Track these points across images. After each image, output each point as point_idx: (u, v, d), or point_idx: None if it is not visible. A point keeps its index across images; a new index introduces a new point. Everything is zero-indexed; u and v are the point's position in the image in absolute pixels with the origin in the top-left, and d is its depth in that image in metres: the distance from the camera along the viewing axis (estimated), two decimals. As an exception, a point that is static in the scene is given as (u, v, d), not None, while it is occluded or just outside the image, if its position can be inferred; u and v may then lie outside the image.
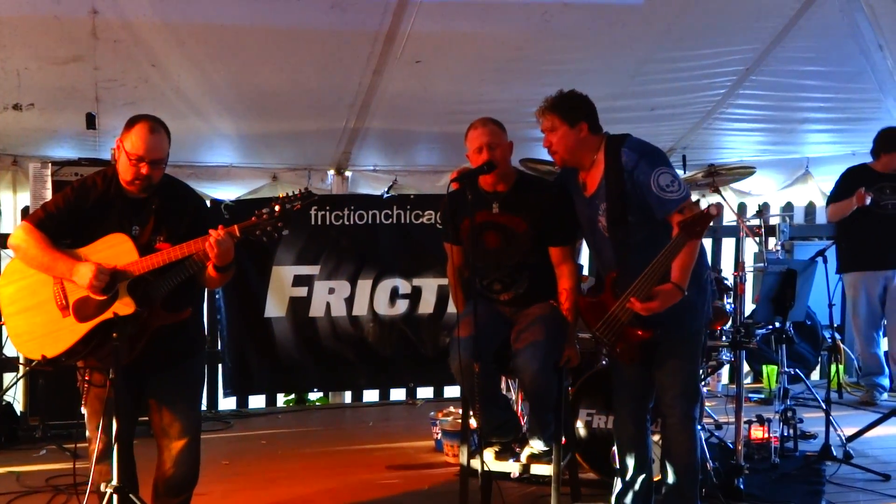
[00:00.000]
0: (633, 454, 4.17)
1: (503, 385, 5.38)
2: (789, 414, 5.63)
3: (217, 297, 6.88)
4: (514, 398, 5.33)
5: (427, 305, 7.17)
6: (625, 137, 3.95)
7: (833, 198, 6.92)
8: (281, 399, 7.51)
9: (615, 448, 4.53)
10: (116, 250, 3.62)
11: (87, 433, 3.85)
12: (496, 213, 4.33)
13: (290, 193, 3.72)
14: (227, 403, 7.19)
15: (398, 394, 7.61)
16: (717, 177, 5.60)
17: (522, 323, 4.31)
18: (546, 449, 4.44)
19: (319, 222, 6.94)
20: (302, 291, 7.01)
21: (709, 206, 3.61)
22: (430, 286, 7.15)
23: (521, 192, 4.33)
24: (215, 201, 6.57)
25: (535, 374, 4.15)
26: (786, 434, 5.63)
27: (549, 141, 4.00)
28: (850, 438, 5.59)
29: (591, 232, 4.06)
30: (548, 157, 4.37)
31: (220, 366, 7.05)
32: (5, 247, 4.90)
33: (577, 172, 4.07)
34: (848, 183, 6.81)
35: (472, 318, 4.03)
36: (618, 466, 4.26)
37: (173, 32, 5.44)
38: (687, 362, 4.01)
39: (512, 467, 4.55)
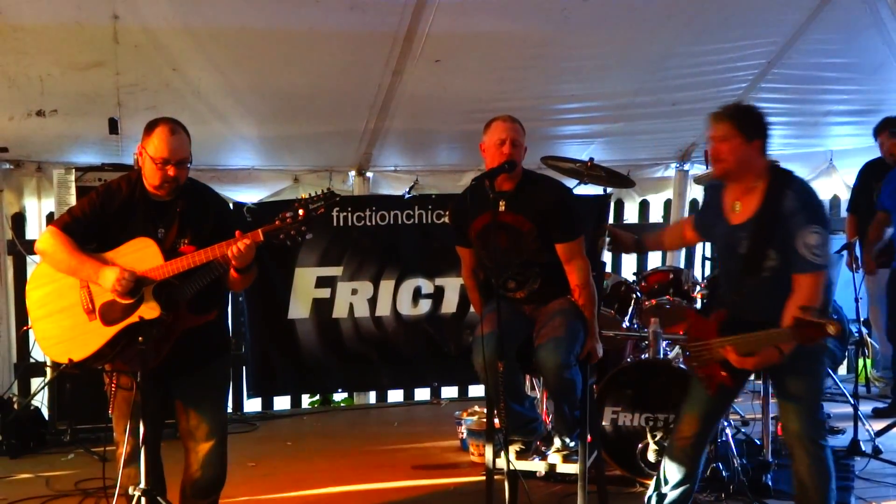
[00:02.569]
0: (684, 468, 4.01)
1: (527, 384, 5.37)
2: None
3: (240, 299, 6.90)
4: (538, 397, 5.32)
5: (450, 305, 7.16)
6: (791, 178, 3.78)
7: (851, 202, 6.97)
8: (306, 400, 7.53)
9: (650, 448, 4.56)
10: (142, 254, 3.64)
11: (115, 436, 3.87)
12: (502, 211, 4.33)
13: (313, 194, 3.72)
14: (252, 405, 7.22)
15: (423, 394, 7.61)
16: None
17: (542, 319, 4.34)
18: (569, 446, 4.42)
19: (341, 223, 6.95)
20: (325, 293, 7.02)
21: (829, 324, 3.39)
22: (452, 285, 7.14)
23: (526, 191, 4.35)
24: (238, 204, 6.58)
25: (557, 368, 4.15)
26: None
27: (717, 149, 3.80)
28: (879, 433, 5.54)
29: (726, 254, 3.93)
30: (569, 155, 4.36)
31: (244, 368, 7.08)
32: (32, 252, 4.94)
33: (721, 191, 3.91)
34: (864, 178, 6.82)
35: (494, 315, 4.02)
36: (662, 475, 4.09)
37: (193, 37, 5.46)
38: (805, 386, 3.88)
39: (538, 466, 4.54)
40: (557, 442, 4.49)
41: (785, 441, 3.96)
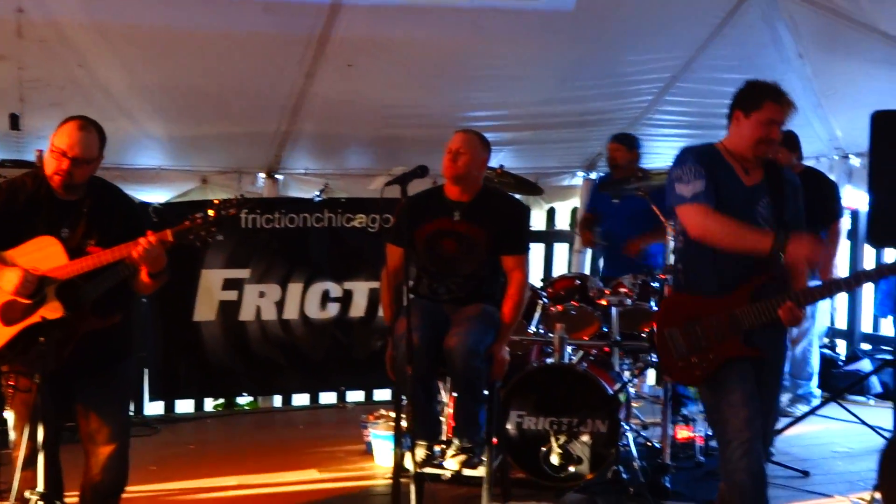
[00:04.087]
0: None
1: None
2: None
3: (143, 300, 6.78)
4: (444, 401, 5.37)
5: (358, 309, 7.15)
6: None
7: None
8: (210, 404, 7.43)
9: (554, 451, 4.64)
10: (45, 253, 3.56)
11: (12, 439, 3.77)
12: (457, 220, 4.44)
13: (226, 200, 3.72)
14: (153, 408, 7.09)
15: (329, 397, 7.58)
16: (645, 181, 5.72)
17: (457, 318, 4.45)
18: (473, 449, 4.46)
19: (250, 225, 6.88)
20: (232, 295, 6.93)
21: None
22: (361, 290, 7.13)
23: (483, 203, 4.50)
24: (144, 204, 6.48)
25: (466, 354, 4.25)
26: (710, 433, 5.75)
27: (779, 135, 3.81)
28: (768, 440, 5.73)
29: (738, 218, 3.71)
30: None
31: (146, 370, 6.96)
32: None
33: (721, 154, 3.80)
34: None
35: (412, 317, 4.09)
36: None
37: (102, 33, 5.38)
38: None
39: (444, 469, 4.58)
40: (462, 445, 4.53)
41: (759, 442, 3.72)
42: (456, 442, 4.53)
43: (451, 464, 4.47)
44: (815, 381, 6.98)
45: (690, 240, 3.75)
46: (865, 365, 7.48)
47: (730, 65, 6.71)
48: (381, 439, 5.67)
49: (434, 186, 4.80)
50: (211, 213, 3.65)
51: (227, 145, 7.03)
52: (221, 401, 7.49)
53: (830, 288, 4.21)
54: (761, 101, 3.71)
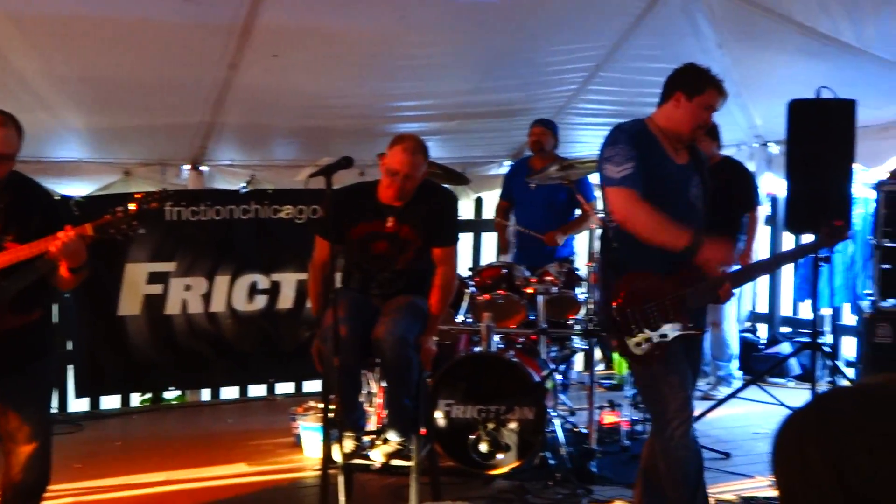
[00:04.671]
0: None
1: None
2: (638, 399, 5.86)
3: (66, 295, 6.65)
4: (374, 391, 5.38)
5: (286, 301, 7.12)
6: None
7: None
8: (136, 399, 7.34)
9: (482, 439, 4.67)
10: (-42, 250, 3.48)
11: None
12: (390, 226, 4.46)
13: (148, 193, 3.68)
14: (78, 405, 6.97)
15: (258, 390, 7.53)
16: (571, 170, 5.79)
17: (386, 309, 4.47)
18: (402, 440, 4.48)
19: (175, 218, 6.79)
20: (157, 289, 6.85)
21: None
22: (289, 281, 7.10)
23: (418, 204, 4.49)
24: (64, 198, 6.35)
25: (396, 342, 4.27)
26: (635, 418, 5.86)
27: (710, 120, 3.89)
28: (694, 420, 5.85)
29: (674, 198, 3.79)
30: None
31: (70, 366, 6.84)
32: None
33: (653, 134, 3.83)
34: None
35: (336, 308, 4.10)
36: None
37: (16, 22, 5.24)
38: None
39: (372, 459, 4.59)
40: (391, 436, 4.54)
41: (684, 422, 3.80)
42: (386, 434, 4.55)
43: (378, 455, 4.48)
44: (735, 363, 7.16)
45: None
46: (785, 348, 7.67)
47: (652, 54, 6.80)
48: (310, 431, 5.66)
49: (366, 183, 4.76)
50: (132, 206, 3.60)
51: (150, 137, 6.92)
52: (148, 396, 7.41)
53: (756, 270, 4.52)
54: (705, 87, 3.77)
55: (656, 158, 3.76)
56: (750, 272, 4.67)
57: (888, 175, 6.28)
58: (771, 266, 4.19)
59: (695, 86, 3.78)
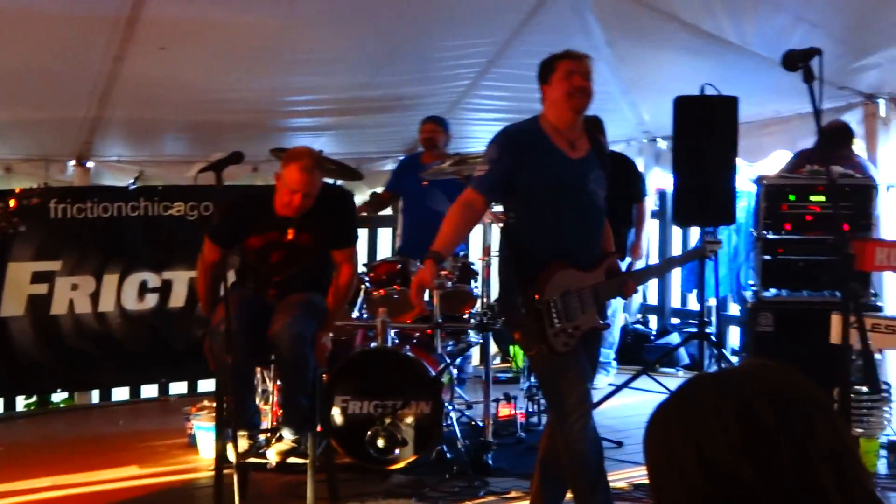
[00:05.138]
0: None
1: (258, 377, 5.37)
2: (534, 391, 5.94)
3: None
4: (269, 389, 5.33)
5: (178, 299, 6.98)
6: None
7: None
8: (21, 402, 7.10)
9: (380, 434, 4.68)
10: None
11: None
12: (289, 238, 4.47)
13: (28, 189, 3.57)
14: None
15: (150, 391, 7.37)
16: (464, 165, 5.81)
17: (282, 306, 4.45)
18: (297, 438, 4.45)
19: (60, 216, 6.57)
20: (42, 288, 6.61)
21: None
22: (181, 279, 6.96)
23: (315, 211, 4.46)
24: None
25: (292, 340, 4.26)
26: (531, 410, 5.94)
27: (589, 85, 3.83)
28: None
29: (570, 193, 3.82)
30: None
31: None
32: None
33: (543, 131, 3.85)
34: None
35: (227, 305, 4.08)
36: None
37: None
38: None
39: (267, 458, 4.55)
40: (287, 434, 4.50)
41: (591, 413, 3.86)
42: (281, 431, 4.51)
43: (272, 454, 4.44)
44: (613, 351, 7.33)
45: (525, 216, 3.86)
46: (675, 338, 7.89)
47: (543, 51, 6.78)
48: (204, 431, 5.57)
49: (261, 194, 4.73)
50: (11, 202, 3.49)
51: (31, 132, 6.68)
52: (34, 399, 7.17)
53: (651, 272, 4.99)
54: (553, 63, 3.86)
55: (545, 155, 3.81)
56: (645, 274, 5.07)
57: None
58: (662, 270, 4.52)
59: (545, 70, 3.89)
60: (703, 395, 1.28)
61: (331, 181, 5.66)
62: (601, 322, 3.92)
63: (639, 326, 8.26)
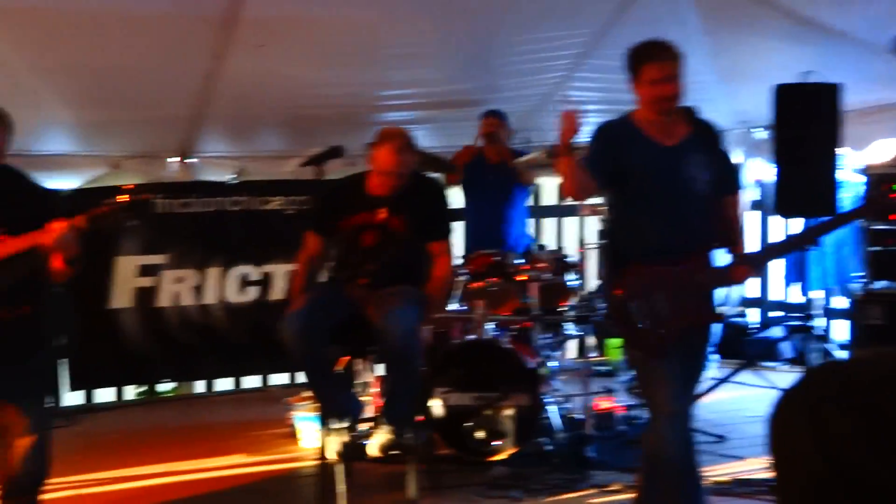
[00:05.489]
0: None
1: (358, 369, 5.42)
2: (635, 384, 5.88)
3: (58, 289, 6.61)
4: (369, 380, 5.38)
5: (279, 292, 7.11)
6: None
7: None
8: (131, 392, 7.33)
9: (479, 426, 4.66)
10: (-47, 244, 3.48)
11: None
12: (380, 217, 4.48)
13: (138, 185, 3.68)
14: (73, 398, 6.95)
15: (251, 381, 7.53)
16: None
17: (381, 298, 4.47)
18: (398, 432, 4.47)
19: (165, 210, 6.78)
20: (148, 281, 6.84)
21: None
22: (280, 272, 7.09)
23: (407, 195, 4.51)
24: (55, 191, 6.30)
25: (403, 332, 4.28)
26: (631, 404, 5.88)
27: (675, 89, 3.68)
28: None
29: (664, 183, 3.70)
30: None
31: (63, 360, 6.81)
32: None
33: (633, 122, 3.79)
34: None
35: (306, 299, 4.23)
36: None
37: (2, 15, 5.21)
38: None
39: (369, 451, 4.59)
40: (387, 427, 4.52)
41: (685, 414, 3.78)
42: (382, 423, 4.54)
43: (373, 448, 4.48)
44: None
45: (617, 208, 3.81)
46: (777, 332, 7.71)
47: (638, 41, 6.81)
48: (305, 421, 5.67)
49: (355, 175, 4.78)
50: (124, 198, 3.60)
51: (137, 129, 6.88)
52: (144, 389, 7.39)
53: (776, 250, 4.41)
54: (639, 66, 3.71)
55: (634, 145, 3.74)
56: (764, 255, 4.31)
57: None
58: (783, 249, 4.10)
59: (632, 68, 3.75)
60: (828, 385, 1.26)
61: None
62: (706, 314, 3.75)
63: (738, 319, 8.10)
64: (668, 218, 3.70)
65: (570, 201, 5.74)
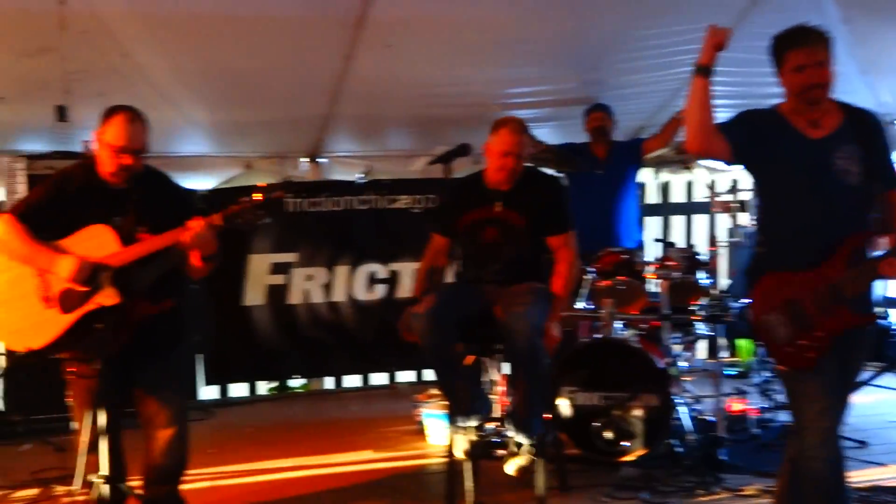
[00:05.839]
0: None
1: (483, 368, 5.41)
2: (767, 386, 5.71)
3: (194, 286, 6.83)
4: (496, 378, 5.36)
5: (405, 290, 7.18)
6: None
7: None
8: (263, 387, 7.52)
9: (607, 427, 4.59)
10: (98, 241, 3.62)
11: (75, 425, 3.84)
12: (498, 211, 4.52)
13: (272, 184, 3.77)
14: (208, 392, 7.18)
15: (379, 378, 7.63)
16: (689, 154, 5.66)
17: (509, 296, 4.44)
18: (535, 450, 4.41)
19: (295, 209, 6.94)
20: (280, 279, 7.03)
21: None
22: (407, 270, 7.17)
23: (524, 189, 4.53)
24: (192, 190, 6.51)
25: (528, 331, 4.25)
26: (765, 406, 5.71)
27: (825, 75, 3.49)
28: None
29: (814, 177, 3.47)
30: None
31: (199, 355, 7.04)
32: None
33: (779, 113, 3.62)
34: None
35: (435, 296, 4.26)
36: None
37: (143, 21, 5.41)
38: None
39: (507, 471, 4.54)
40: (524, 443, 4.44)
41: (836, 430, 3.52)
42: (514, 437, 4.46)
43: (511, 468, 4.46)
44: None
45: (763, 204, 3.63)
46: (920, 334, 7.37)
47: (773, 32, 6.59)
48: (433, 419, 5.70)
49: (474, 174, 4.80)
50: (258, 196, 3.68)
51: (270, 130, 7.06)
52: (276, 384, 7.58)
53: None
54: (783, 53, 3.54)
55: (779, 136, 3.54)
56: None
57: None
58: None
59: (776, 58, 3.58)
60: None
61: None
62: (857, 316, 3.44)
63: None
64: (818, 215, 3.45)
65: (690, 157, 5.54)
